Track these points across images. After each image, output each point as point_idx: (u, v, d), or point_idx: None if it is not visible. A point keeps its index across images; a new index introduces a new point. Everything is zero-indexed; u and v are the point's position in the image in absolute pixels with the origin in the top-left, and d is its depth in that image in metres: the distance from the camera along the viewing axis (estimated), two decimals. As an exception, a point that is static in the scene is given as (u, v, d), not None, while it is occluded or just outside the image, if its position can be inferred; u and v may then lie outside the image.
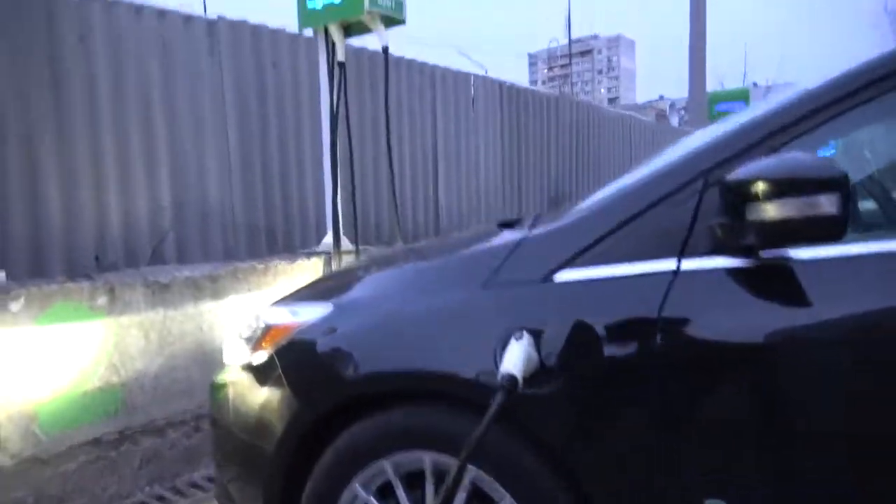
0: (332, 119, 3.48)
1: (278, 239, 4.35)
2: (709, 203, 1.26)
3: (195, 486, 2.70)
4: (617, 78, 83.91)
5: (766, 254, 1.21)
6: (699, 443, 1.20)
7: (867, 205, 1.47)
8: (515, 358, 1.21)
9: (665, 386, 1.21)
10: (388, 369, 1.41)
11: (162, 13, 3.79)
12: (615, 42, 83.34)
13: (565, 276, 1.33)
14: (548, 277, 1.34)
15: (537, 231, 1.46)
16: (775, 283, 1.20)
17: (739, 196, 1.13)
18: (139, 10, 3.68)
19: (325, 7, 3.40)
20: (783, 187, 1.06)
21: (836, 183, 1.03)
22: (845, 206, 1.03)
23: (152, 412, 2.73)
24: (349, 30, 3.53)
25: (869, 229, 1.45)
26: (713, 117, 8.23)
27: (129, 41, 3.55)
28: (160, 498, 2.61)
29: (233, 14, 4.17)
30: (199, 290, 2.93)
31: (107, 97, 3.47)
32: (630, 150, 8.66)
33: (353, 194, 3.58)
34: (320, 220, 4.31)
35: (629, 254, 1.30)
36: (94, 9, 3.43)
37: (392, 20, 3.44)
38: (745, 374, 1.19)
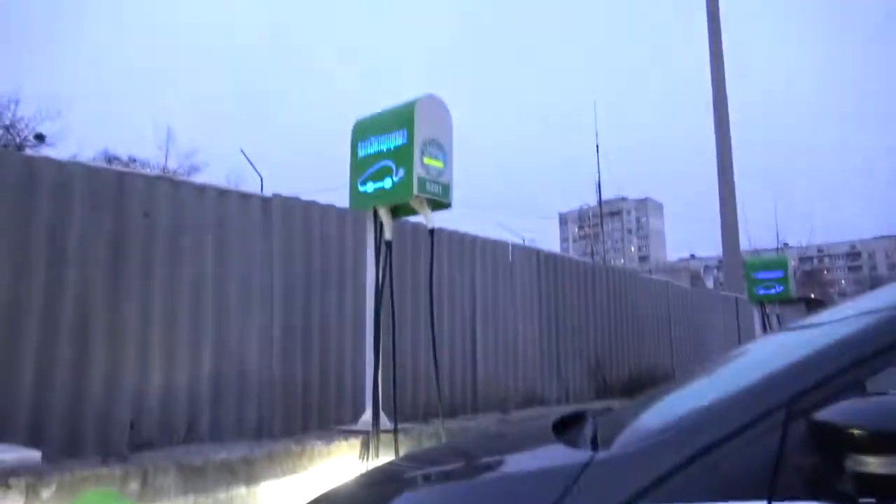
0: (377, 296, 3.52)
1: (313, 413, 4.25)
2: (794, 438, 1.18)
3: None
4: (646, 237, 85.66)
5: (865, 501, 1.10)
6: None
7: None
8: None
9: None
10: None
11: (223, 192, 4.04)
12: (643, 204, 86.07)
13: (656, 518, 1.22)
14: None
15: (605, 454, 1.37)
16: None
17: (833, 439, 1.05)
18: (202, 188, 3.94)
19: (376, 191, 3.58)
20: (889, 441, 0.98)
21: None
22: None
23: None
24: (397, 211, 3.69)
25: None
26: (753, 284, 8.16)
27: (188, 217, 3.76)
28: None
29: (288, 191, 4.43)
30: (233, 474, 2.82)
31: (161, 266, 3.61)
32: (668, 316, 8.56)
33: (394, 369, 3.54)
34: (357, 393, 4.23)
35: (713, 491, 1.20)
36: (161, 186, 3.69)
37: (439, 204, 3.59)
38: None
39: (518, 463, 1.55)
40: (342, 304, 4.53)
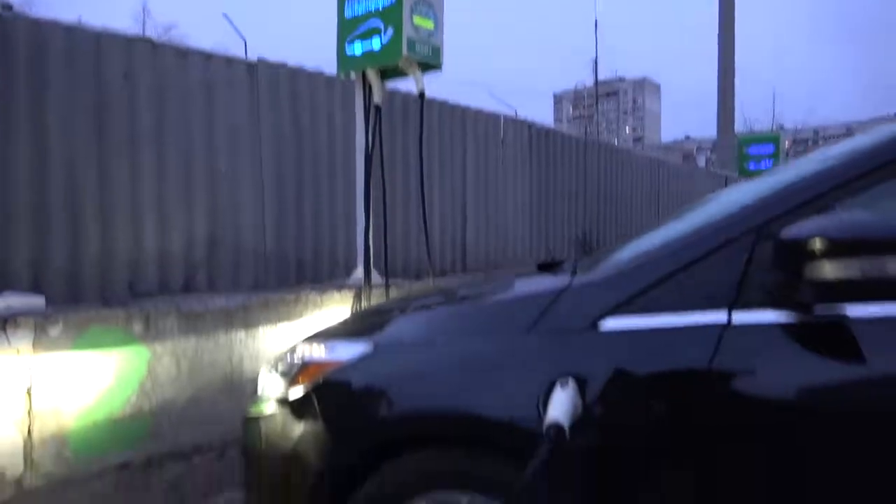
0: (367, 159, 3.53)
1: (307, 272, 4.39)
2: (762, 257, 1.26)
3: (218, 516, 2.69)
4: (642, 118, 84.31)
5: (820, 310, 1.20)
6: (743, 497, 1.18)
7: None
8: (562, 406, 1.20)
9: (714, 439, 1.20)
10: (427, 412, 1.41)
11: (207, 56, 3.92)
12: (641, 84, 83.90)
13: (612, 324, 1.33)
14: (594, 325, 1.34)
15: (582, 278, 1.46)
16: (829, 339, 1.19)
17: (796, 253, 1.12)
18: (184, 53, 3.82)
19: (364, 53, 3.48)
20: (845, 247, 1.06)
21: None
22: None
23: (179, 438, 2.74)
24: (386, 74, 3.61)
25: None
26: (744, 159, 8.19)
27: (172, 81, 3.68)
28: (185, 528, 2.60)
29: (273, 56, 4.30)
30: (231, 319, 2.96)
31: (148, 132, 3.58)
32: (658, 193, 8.64)
33: (385, 231, 3.62)
34: (349, 255, 4.35)
35: (678, 304, 1.30)
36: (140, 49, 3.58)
37: (429, 66, 3.51)
38: (795, 431, 1.17)
39: (504, 290, 1.65)
40: (332, 168, 4.54)
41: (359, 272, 3.65)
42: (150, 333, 2.67)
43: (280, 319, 3.11)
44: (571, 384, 1.25)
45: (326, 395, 1.57)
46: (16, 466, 2.28)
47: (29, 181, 3.17)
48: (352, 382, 1.53)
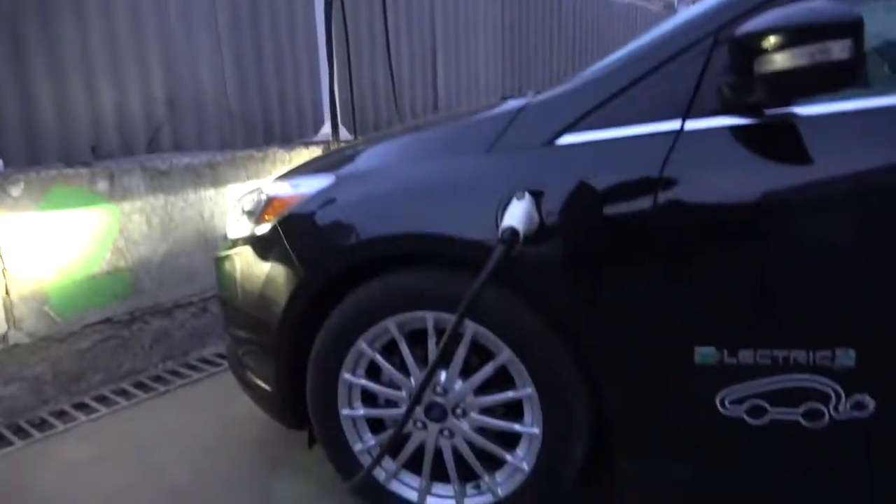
0: (327, 6, 3.34)
1: (275, 131, 4.29)
2: (717, 62, 1.25)
3: (206, 361, 2.83)
4: (622, -29, 79.98)
5: (771, 112, 1.21)
6: (694, 296, 1.24)
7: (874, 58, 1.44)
8: (517, 214, 1.23)
9: (664, 243, 1.24)
10: (392, 234, 1.44)
11: None
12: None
13: (568, 139, 1.34)
14: (551, 141, 1.35)
15: (539, 98, 1.44)
16: (780, 140, 1.21)
17: (749, 50, 1.11)
18: None
19: None
20: (795, 36, 1.05)
21: (850, 27, 1.02)
22: (858, 50, 1.02)
23: (160, 295, 2.81)
24: None
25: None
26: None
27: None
28: (174, 373, 2.73)
29: None
30: (199, 176, 2.93)
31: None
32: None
33: (351, 83, 3.50)
34: (317, 113, 4.23)
35: (634, 116, 1.30)
36: None
37: None
38: (745, 232, 1.21)
39: (465, 116, 1.63)
40: (293, 19, 4.29)
41: (326, 128, 3.58)
42: (117, 192, 2.64)
43: (249, 177, 3.08)
44: (527, 197, 1.28)
45: (292, 227, 1.59)
46: (-1, 323, 2.33)
47: None
48: (315, 213, 1.55)
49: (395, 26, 4.97)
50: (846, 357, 1.17)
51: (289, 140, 4.25)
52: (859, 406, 1.19)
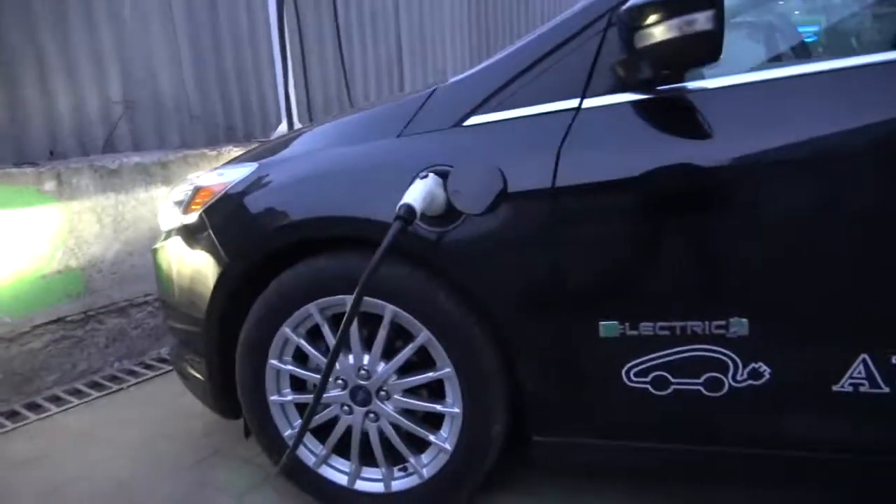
0: (278, 3, 3.35)
1: (237, 131, 4.29)
2: (612, 42, 1.28)
3: (163, 360, 2.83)
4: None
5: (662, 87, 1.24)
6: (595, 270, 1.27)
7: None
8: (415, 192, 1.25)
9: (564, 219, 1.27)
10: (307, 217, 1.45)
11: None
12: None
13: (476, 119, 1.36)
14: (459, 123, 1.37)
15: (450, 81, 1.47)
16: (672, 114, 1.24)
17: (628, 27, 1.14)
18: None
19: None
20: (665, 10, 1.08)
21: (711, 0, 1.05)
22: (720, 21, 1.05)
23: (114, 295, 2.81)
24: None
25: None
26: None
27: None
28: (130, 372, 2.73)
29: None
30: (150, 175, 2.94)
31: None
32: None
33: (305, 78, 3.51)
34: (279, 112, 4.24)
35: (536, 96, 1.33)
36: None
37: None
38: (639, 206, 1.24)
39: (385, 102, 1.65)
40: (253, 18, 4.30)
41: (283, 126, 3.58)
42: (65, 191, 2.64)
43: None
44: (431, 176, 1.30)
45: (215, 214, 1.60)
46: (-55, 325, 2.33)
47: None
48: (238, 200, 1.57)
49: (360, 23, 4.98)
50: (739, 326, 1.20)
51: (252, 139, 4.25)
52: (756, 374, 1.23)
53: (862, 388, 1.18)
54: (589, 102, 1.28)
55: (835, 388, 1.19)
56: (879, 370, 1.16)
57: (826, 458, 1.25)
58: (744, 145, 1.18)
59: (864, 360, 1.16)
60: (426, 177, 1.29)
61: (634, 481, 1.66)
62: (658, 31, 1.09)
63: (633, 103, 1.25)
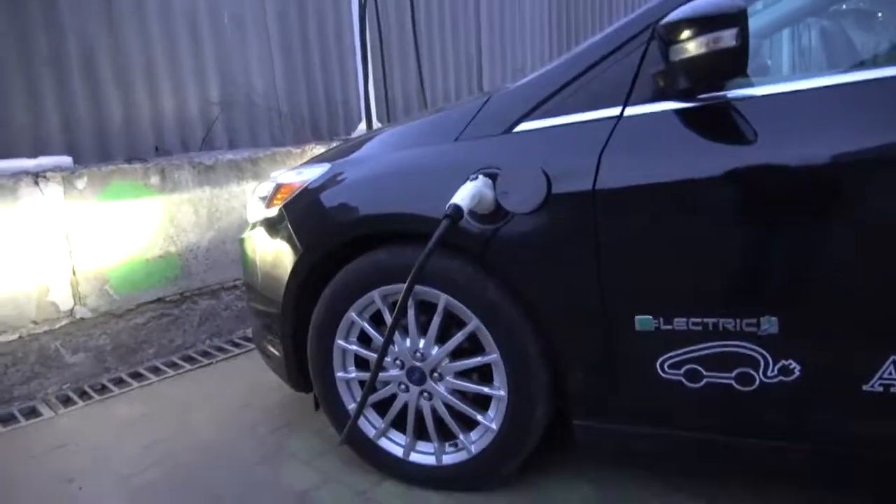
0: (361, 8, 3.55)
1: (322, 129, 4.56)
2: (654, 53, 1.35)
3: (248, 339, 3.09)
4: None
5: (703, 96, 1.31)
6: (630, 267, 1.36)
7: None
8: (464, 192, 1.38)
9: (604, 219, 1.36)
10: (371, 213, 1.61)
11: None
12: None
13: (525, 126, 1.48)
14: (509, 129, 1.49)
15: (502, 90, 1.58)
16: (711, 122, 1.30)
17: (664, 41, 1.22)
18: None
19: None
20: (696, 27, 1.15)
21: (735, 17, 1.12)
22: (744, 38, 1.12)
23: (207, 279, 3.10)
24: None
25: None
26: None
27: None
28: (219, 348, 3.01)
29: None
30: (241, 171, 3.20)
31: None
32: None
33: (385, 79, 3.69)
34: (361, 111, 4.47)
35: (581, 105, 1.42)
36: None
37: None
38: (676, 208, 1.31)
39: (450, 109, 1.78)
40: (339, 21, 4.55)
41: (362, 125, 3.79)
42: (168, 185, 2.94)
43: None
44: (480, 178, 1.42)
45: (294, 209, 1.79)
46: (66, 299, 2.66)
47: (48, 56, 3.32)
48: (313, 196, 1.75)
49: (441, 23, 5.14)
50: (769, 324, 1.26)
51: (336, 137, 4.51)
52: (786, 371, 1.28)
53: (893, 389, 1.21)
54: (630, 111, 1.36)
55: (865, 387, 1.22)
56: (911, 371, 1.19)
57: (855, 454, 1.28)
58: (779, 152, 1.23)
59: (894, 362, 1.19)
60: (476, 178, 1.42)
61: (662, 475, 1.72)
62: (690, 46, 1.17)
63: (674, 111, 1.32)
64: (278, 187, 1.89)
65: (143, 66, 3.67)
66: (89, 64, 3.46)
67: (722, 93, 1.30)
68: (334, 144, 2.27)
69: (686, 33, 1.17)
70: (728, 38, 1.12)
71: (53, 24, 3.28)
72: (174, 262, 2.98)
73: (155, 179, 2.91)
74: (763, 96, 1.27)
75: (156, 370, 2.81)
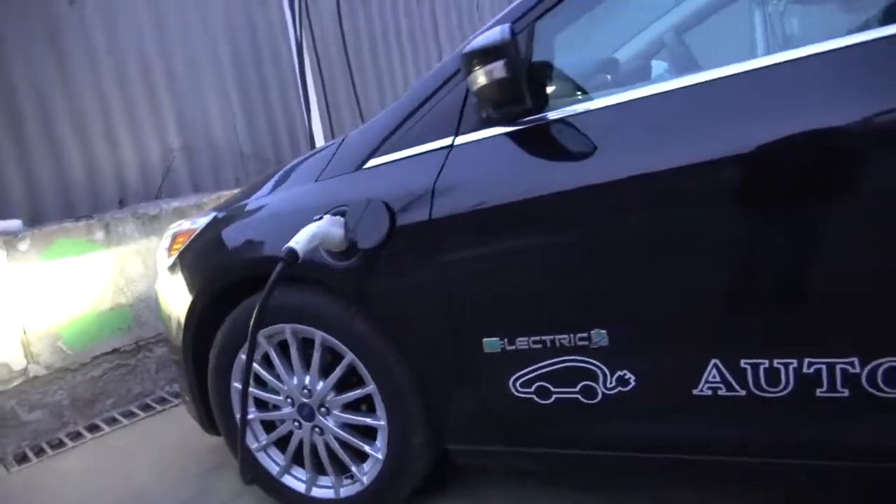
0: (298, 48, 3.64)
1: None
2: None
3: (202, 383, 3.15)
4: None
5: (526, 119, 1.34)
6: (471, 291, 1.39)
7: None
8: (302, 235, 1.42)
9: (444, 246, 1.39)
10: (249, 257, 1.67)
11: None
12: None
13: (373, 162, 1.52)
14: (360, 166, 1.54)
15: (357, 129, 1.64)
16: (534, 143, 1.33)
17: (464, 73, 1.26)
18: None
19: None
20: (477, 59, 1.19)
21: (502, 50, 1.16)
22: (513, 69, 1.16)
23: (161, 326, 3.16)
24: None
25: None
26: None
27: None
28: (176, 394, 3.07)
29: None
30: (188, 217, 3.28)
31: (104, 52, 3.78)
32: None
33: (329, 116, 3.78)
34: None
35: (421, 137, 1.46)
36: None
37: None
38: (506, 230, 1.34)
39: (322, 148, 1.83)
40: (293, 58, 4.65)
41: (313, 158, 3.86)
42: (113, 238, 3.03)
43: (233, 211, 3.40)
44: (327, 218, 1.46)
45: (185, 256, 1.85)
46: (18, 359, 2.75)
47: (2, 120, 3.43)
48: (198, 245, 1.81)
49: (401, 54, 5.22)
50: (599, 336, 1.28)
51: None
52: (623, 381, 1.29)
53: (721, 392, 1.22)
54: (461, 139, 1.40)
55: (695, 392, 1.24)
56: (732, 374, 1.20)
57: (699, 459, 1.29)
58: (596, 167, 1.26)
59: (715, 365, 1.21)
60: (320, 219, 1.46)
61: (568, 486, 1.73)
62: (478, 78, 1.21)
63: (499, 137, 1.36)
64: (175, 237, 1.95)
65: (100, 120, 3.77)
66: (46, 122, 3.57)
67: (542, 114, 1.33)
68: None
69: (473, 66, 1.21)
70: (499, 69, 1.16)
71: (4, 84, 3.40)
72: (126, 313, 3.06)
73: (100, 234, 3.00)
74: (582, 113, 1.29)
75: (112, 421, 2.88)
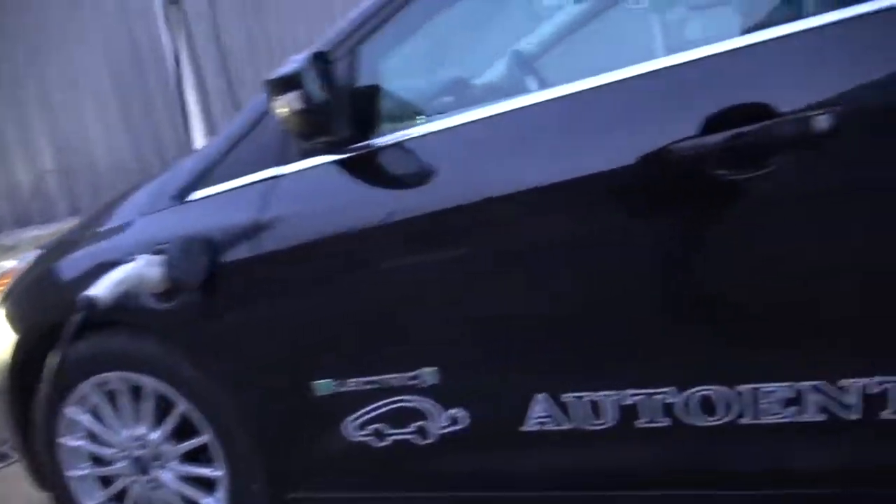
0: (177, 69, 3.48)
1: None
2: None
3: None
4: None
5: (351, 147, 1.27)
6: (299, 333, 1.31)
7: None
8: (106, 281, 1.29)
9: (269, 285, 1.31)
10: (62, 302, 1.52)
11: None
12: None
13: (197, 195, 1.42)
14: (184, 199, 1.43)
15: (183, 162, 1.53)
16: (362, 171, 1.26)
17: (270, 100, 1.18)
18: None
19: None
20: (274, 90, 1.12)
21: (298, 80, 1.09)
22: (311, 100, 1.09)
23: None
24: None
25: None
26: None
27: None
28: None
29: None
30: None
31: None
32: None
33: (211, 129, 3.62)
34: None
35: (246, 167, 1.37)
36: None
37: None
38: (335, 264, 1.27)
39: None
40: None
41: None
42: (-37, 273, 2.78)
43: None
44: (144, 258, 1.34)
45: (9, 297, 1.69)
46: None
47: None
48: (20, 285, 1.65)
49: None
50: (430, 375, 1.22)
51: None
52: (454, 420, 1.24)
53: (548, 426, 1.18)
54: (286, 169, 1.32)
55: (523, 428, 1.20)
56: (555, 408, 1.16)
57: (536, 497, 1.25)
58: (419, 197, 1.20)
59: (539, 401, 1.17)
60: (133, 260, 1.34)
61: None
62: (276, 108, 1.14)
63: (323, 166, 1.28)
64: (2, 275, 1.78)
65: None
66: None
67: (367, 142, 1.27)
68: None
69: (274, 96, 1.14)
70: (295, 100, 1.09)
71: None
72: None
73: (-55, 269, 2.74)
74: (413, 138, 1.23)
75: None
